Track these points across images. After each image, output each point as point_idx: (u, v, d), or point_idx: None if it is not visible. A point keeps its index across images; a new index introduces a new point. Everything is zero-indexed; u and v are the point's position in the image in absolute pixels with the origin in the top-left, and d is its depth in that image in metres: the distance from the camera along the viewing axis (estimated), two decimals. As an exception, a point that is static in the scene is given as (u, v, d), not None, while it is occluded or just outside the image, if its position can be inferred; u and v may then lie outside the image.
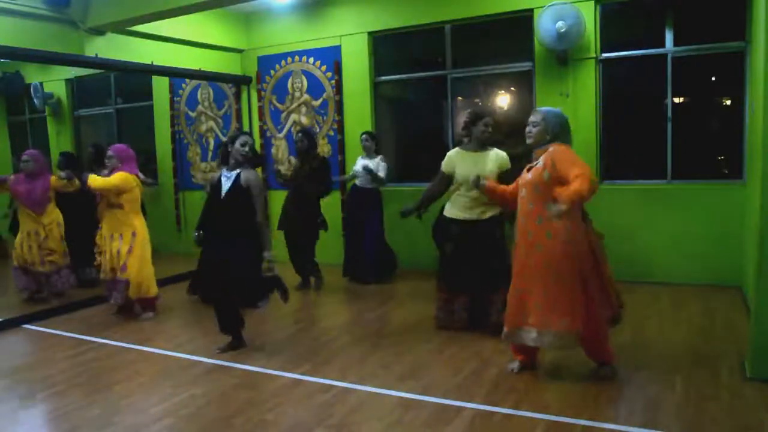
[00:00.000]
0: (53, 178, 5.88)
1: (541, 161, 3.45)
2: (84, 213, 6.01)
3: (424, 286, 6.15)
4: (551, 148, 3.44)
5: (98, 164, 7.25)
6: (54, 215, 5.98)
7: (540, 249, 3.40)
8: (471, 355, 4.10)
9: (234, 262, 4.07)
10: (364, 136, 6.38)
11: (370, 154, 6.34)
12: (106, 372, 4.13)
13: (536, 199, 3.42)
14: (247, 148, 4.17)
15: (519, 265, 3.55)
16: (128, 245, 5.25)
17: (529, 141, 3.54)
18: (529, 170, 3.53)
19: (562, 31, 5.61)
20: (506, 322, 3.62)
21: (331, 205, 6.74)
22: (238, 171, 4.19)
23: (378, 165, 6.23)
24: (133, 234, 5.27)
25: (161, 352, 4.49)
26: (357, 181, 6.37)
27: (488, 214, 4.36)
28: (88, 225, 5.80)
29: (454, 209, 4.47)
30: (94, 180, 5.11)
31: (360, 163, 6.32)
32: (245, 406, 3.44)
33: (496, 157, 4.40)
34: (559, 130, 3.48)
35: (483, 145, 4.44)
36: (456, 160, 4.47)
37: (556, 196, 3.28)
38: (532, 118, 3.53)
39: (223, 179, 4.21)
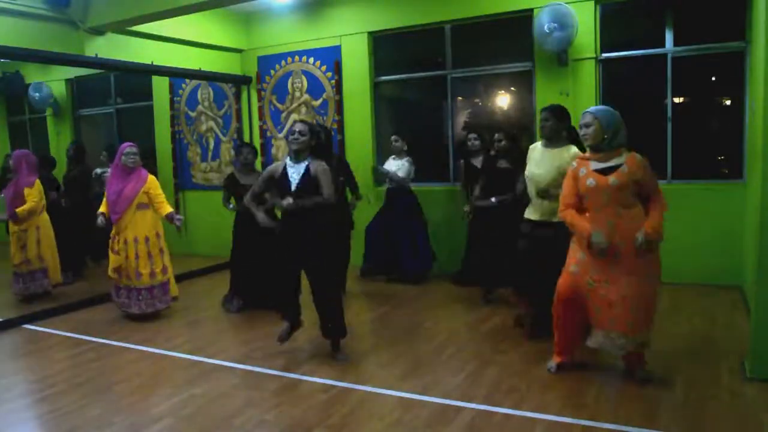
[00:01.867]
0: (27, 190, 5.74)
1: (625, 166, 3.38)
2: (75, 216, 6.16)
3: (424, 286, 6.16)
4: (631, 154, 3.43)
5: (77, 162, 7.27)
6: (30, 221, 5.82)
7: (633, 253, 3.34)
8: (471, 355, 4.10)
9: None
10: (393, 137, 6.35)
11: (400, 155, 6.28)
12: (106, 372, 4.13)
13: (625, 202, 3.38)
14: (297, 136, 4.01)
15: (622, 270, 3.36)
16: (158, 247, 5.25)
17: (588, 142, 3.46)
18: (600, 174, 3.39)
19: (548, 32, 5.67)
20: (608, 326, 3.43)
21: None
22: (307, 162, 4.03)
23: (402, 166, 6.19)
24: (157, 235, 5.26)
25: (161, 352, 4.49)
26: (390, 184, 6.34)
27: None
28: (78, 228, 6.17)
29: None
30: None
31: (389, 165, 6.30)
32: (245, 406, 3.44)
33: (569, 154, 4.03)
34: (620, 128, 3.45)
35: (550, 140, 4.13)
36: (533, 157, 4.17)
37: (649, 232, 3.30)
38: (586, 121, 3.43)
39: (290, 170, 4.03)
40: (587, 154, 3.51)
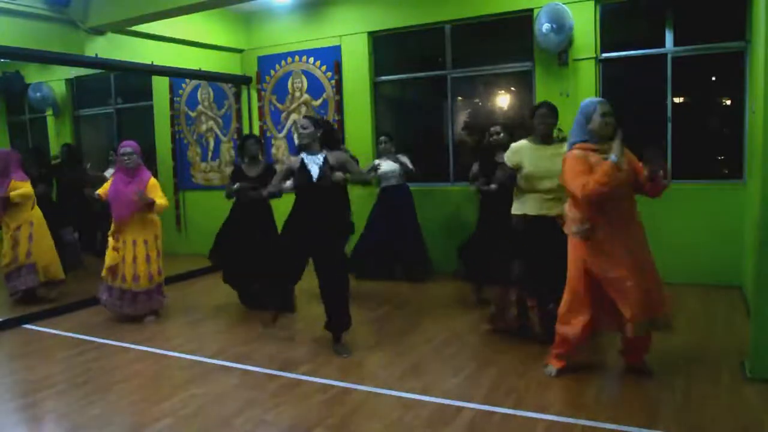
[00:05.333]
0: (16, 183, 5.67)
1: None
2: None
3: (423, 285, 6.16)
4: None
5: (69, 164, 7.25)
6: (23, 217, 5.74)
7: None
8: (471, 355, 4.10)
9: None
10: (382, 137, 6.38)
11: (388, 156, 6.28)
12: (106, 372, 4.13)
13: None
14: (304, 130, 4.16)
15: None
16: (155, 249, 5.23)
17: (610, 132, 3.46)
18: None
19: (545, 32, 5.69)
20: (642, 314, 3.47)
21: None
22: (324, 154, 4.17)
23: (407, 159, 6.26)
24: (156, 237, 5.24)
25: (161, 352, 4.49)
26: (384, 183, 6.32)
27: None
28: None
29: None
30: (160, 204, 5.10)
31: (385, 165, 6.16)
32: (245, 406, 3.44)
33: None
34: None
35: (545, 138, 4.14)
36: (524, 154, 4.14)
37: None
38: (610, 110, 3.46)
39: (308, 162, 4.15)
40: (588, 145, 3.45)
